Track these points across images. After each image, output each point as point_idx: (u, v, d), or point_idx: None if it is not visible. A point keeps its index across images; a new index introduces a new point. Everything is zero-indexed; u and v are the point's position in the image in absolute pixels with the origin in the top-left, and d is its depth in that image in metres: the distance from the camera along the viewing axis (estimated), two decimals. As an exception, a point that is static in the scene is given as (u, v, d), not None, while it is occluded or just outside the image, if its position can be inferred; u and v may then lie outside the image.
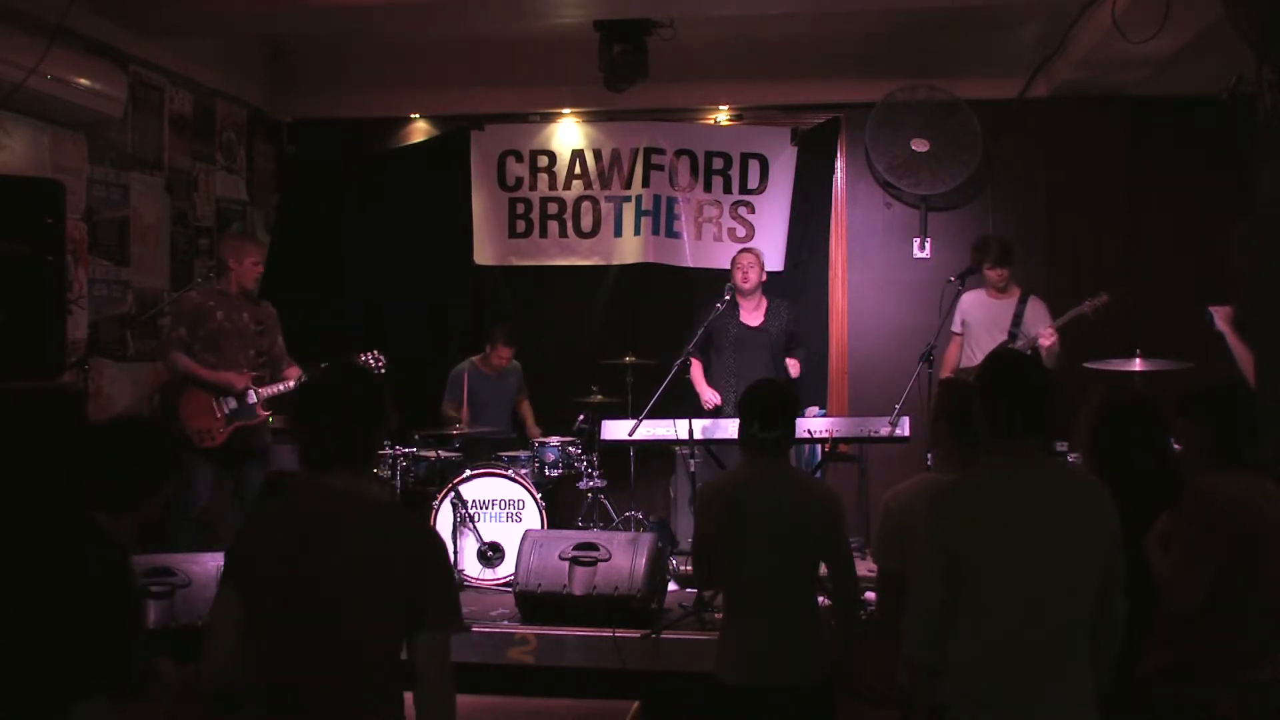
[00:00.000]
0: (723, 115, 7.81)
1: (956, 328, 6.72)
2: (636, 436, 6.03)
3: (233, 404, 5.94)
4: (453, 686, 2.49)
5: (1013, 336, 6.53)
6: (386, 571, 2.42)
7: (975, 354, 6.61)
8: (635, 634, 5.16)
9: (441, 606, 2.47)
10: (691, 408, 6.07)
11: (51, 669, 2.56)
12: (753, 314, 6.69)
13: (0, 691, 2.59)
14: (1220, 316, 5.36)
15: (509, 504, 6.32)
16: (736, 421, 5.98)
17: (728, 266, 6.91)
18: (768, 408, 3.72)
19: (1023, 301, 6.62)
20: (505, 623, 5.44)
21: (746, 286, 6.60)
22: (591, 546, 5.53)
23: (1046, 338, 6.33)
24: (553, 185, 7.90)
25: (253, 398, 5.96)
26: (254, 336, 6.12)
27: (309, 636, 2.42)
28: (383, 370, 6.20)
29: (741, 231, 7.69)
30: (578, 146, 7.88)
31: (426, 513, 6.34)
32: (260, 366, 6.10)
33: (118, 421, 3.12)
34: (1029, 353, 6.20)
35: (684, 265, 7.73)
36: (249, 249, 6.24)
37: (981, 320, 6.66)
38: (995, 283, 6.66)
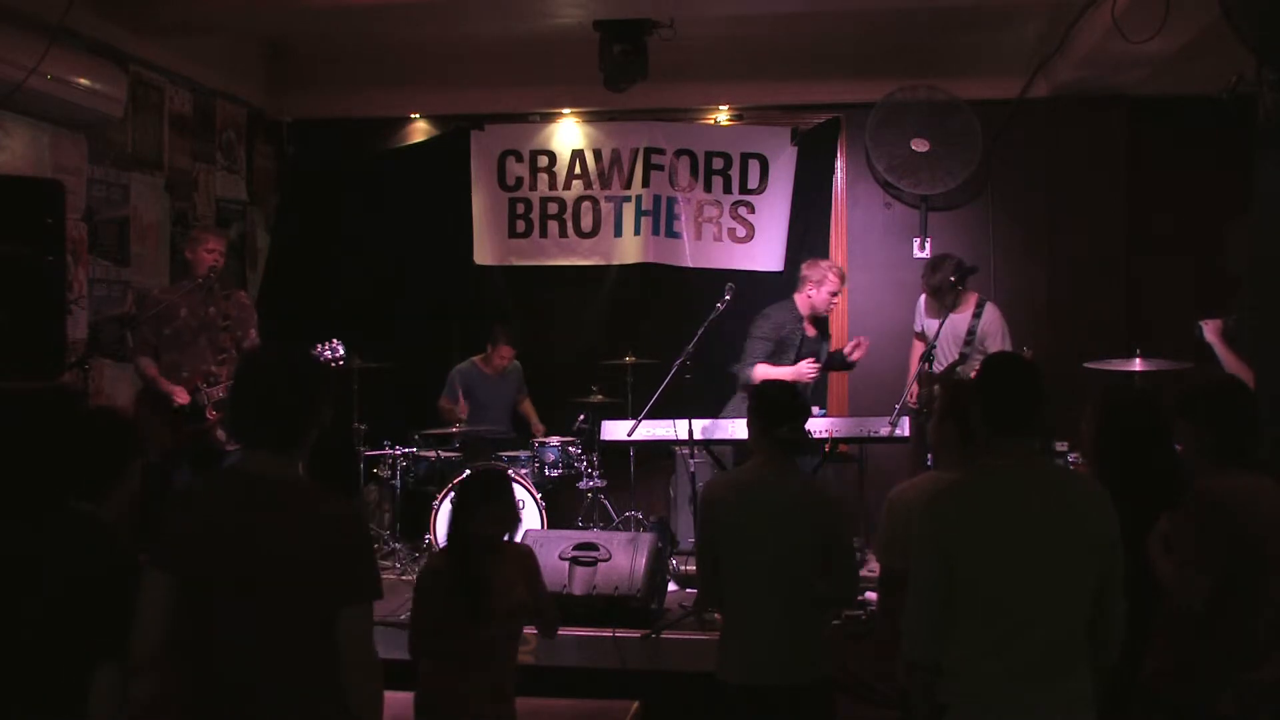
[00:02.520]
0: (723, 115, 7.81)
1: (918, 327, 6.72)
2: (636, 436, 6.02)
3: (186, 409, 5.87)
4: (376, 659, 2.51)
5: (964, 357, 6.41)
6: (302, 550, 2.45)
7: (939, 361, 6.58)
8: (635, 634, 5.16)
9: (358, 579, 2.49)
10: (691, 408, 6.04)
11: (67, 642, 2.62)
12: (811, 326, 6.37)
13: (19, 666, 2.66)
14: (1210, 329, 5.36)
15: (509, 504, 6.30)
16: (734, 422, 6.09)
17: (727, 267, 6.85)
18: (800, 409, 3.75)
19: (976, 316, 6.51)
20: (505, 623, 5.43)
21: (830, 314, 6.49)
22: (591, 546, 5.54)
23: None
24: (553, 185, 7.89)
25: (202, 400, 5.87)
26: (219, 331, 6.05)
27: (236, 617, 2.46)
28: (340, 360, 6.10)
29: (741, 231, 7.68)
30: (578, 146, 7.88)
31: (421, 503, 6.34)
32: (225, 363, 5.99)
33: (79, 414, 3.12)
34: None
35: (684, 265, 7.72)
36: (202, 237, 6.18)
37: (939, 331, 6.60)
38: None
